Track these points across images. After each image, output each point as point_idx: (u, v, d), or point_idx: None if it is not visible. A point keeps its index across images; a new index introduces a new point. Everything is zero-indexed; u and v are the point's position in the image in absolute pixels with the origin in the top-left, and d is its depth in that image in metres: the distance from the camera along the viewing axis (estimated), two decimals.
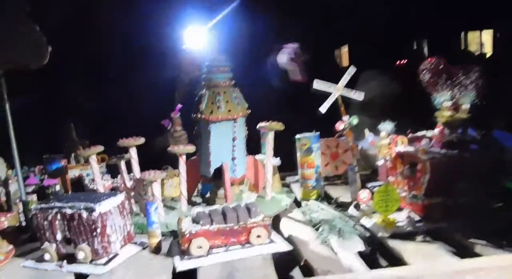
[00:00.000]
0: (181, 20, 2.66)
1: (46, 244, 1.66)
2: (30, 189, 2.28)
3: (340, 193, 2.42)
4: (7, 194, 2.24)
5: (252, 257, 1.61)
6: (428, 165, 1.80)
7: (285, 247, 1.68)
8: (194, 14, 2.67)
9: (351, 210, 2.04)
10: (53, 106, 2.89)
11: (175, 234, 1.86)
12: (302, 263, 1.61)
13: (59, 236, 1.64)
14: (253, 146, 2.36)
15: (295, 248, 1.71)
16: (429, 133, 1.93)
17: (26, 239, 2.00)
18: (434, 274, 1.38)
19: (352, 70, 2.14)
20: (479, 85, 1.94)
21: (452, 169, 1.81)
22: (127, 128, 2.30)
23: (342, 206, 2.17)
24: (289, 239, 1.80)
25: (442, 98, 1.90)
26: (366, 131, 2.01)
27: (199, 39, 2.70)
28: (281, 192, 2.51)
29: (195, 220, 1.69)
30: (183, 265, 1.56)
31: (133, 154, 2.19)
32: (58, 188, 2.31)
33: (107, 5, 2.77)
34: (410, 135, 2.02)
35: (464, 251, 1.57)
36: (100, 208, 1.59)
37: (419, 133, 2.00)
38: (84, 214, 1.58)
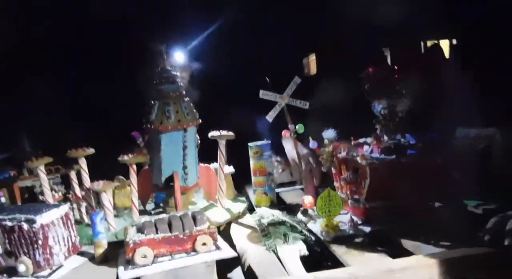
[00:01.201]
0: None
1: None
2: None
3: (293, 199, 2.49)
4: None
5: (197, 265, 1.64)
6: (368, 170, 1.89)
7: (230, 253, 1.72)
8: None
9: (299, 215, 2.10)
10: (5, 115, 2.81)
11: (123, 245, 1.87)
12: (245, 269, 1.65)
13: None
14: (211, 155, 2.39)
15: (241, 254, 1.75)
16: (369, 139, 2.02)
17: None
18: (368, 274, 1.44)
19: (297, 79, 2.22)
20: (415, 92, 2.05)
21: (390, 173, 1.90)
22: (90, 138, 2.28)
23: (292, 212, 2.24)
24: (237, 246, 1.84)
25: (381, 106, 2.00)
26: (310, 138, 2.09)
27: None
28: (235, 199, 2.56)
29: (140, 230, 1.70)
30: (126, 274, 1.57)
31: (82, 164, 2.18)
32: (3, 200, 2.26)
33: None
34: (353, 142, 2.11)
35: (399, 251, 1.66)
36: (42, 219, 1.58)
37: (361, 140, 2.09)
38: (25, 226, 1.57)
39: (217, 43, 2.75)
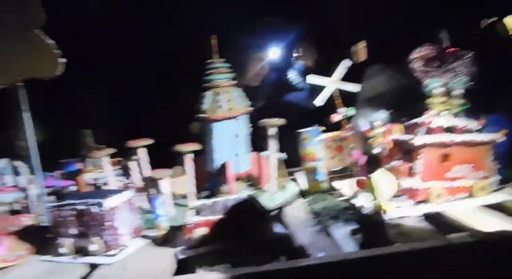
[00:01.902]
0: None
1: (61, 239, 1.79)
2: (49, 191, 2.43)
3: (345, 184, 2.49)
4: (28, 197, 2.39)
5: None
6: (422, 151, 1.86)
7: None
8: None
9: (352, 198, 2.10)
10: (72, 114, 3.05)
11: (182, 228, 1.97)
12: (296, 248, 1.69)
13: (73, 231, 1.77)
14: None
15: (293, 235, 1.78)
16: (421, 120, 1.97)
17: (47, 237, 2.14)
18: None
19: (347, 63, 2.20)
20: (471, 70, 1.97)
21: (445, 155, 1.85)
22: (150, 131, 2.42)
23: (344, 196, 2.23)
24: (288, 227, 1.88)
25: (434, 85, 1.94)
26: (359, 120, 2.07)
27: None
28: (286, 185, 2.59)
29: (198, 212, 1.79)
30: (185, 253, 1.67)
31: (141, 154, 2.32)
32: (74, 188, 2.46)
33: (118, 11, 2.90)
34: (405, 123, 2.07)
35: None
36: (109, 203, 1.72)
37: (413, 121, 2.04)
38: (95, 209, 1.71)
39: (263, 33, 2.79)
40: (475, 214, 1.78)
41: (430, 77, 1.98)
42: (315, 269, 1.44)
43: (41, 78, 2.30)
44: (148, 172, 2.30)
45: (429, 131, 1.89)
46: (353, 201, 2.07)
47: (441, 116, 1.95)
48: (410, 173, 1.95)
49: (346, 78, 2.30)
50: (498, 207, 1.83)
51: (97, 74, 3.03)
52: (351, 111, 2.18)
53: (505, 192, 1.93)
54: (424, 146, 1.85)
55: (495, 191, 1.96)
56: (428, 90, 1.96)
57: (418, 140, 1.84)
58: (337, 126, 2.50)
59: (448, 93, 1.95)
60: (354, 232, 1.77)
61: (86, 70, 3.05)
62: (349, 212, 1.95)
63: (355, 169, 2.17)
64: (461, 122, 1.94)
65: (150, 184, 2.28)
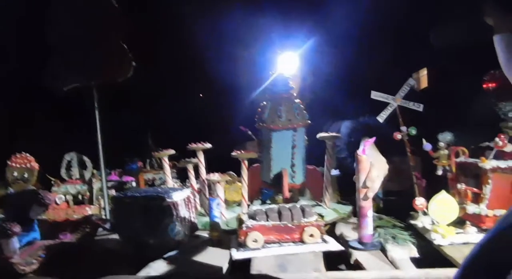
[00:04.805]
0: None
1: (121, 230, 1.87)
2: (110, 184, 2.56)
3: (400, 206, 2.41)
4: (91, 190, 2.53)
5: (304, 253, 1.69)
6: (491, 176, 1.77)
7: (337, 247, 1.73)
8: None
9: (409, 220, 2.03)
10: (135, 116, 3.22)
11: (234, 231, 2.00)
12: (352, 262, 1.65)
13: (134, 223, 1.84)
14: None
15: (347, 249, 1.75)
16: (492, 144, 1.88)
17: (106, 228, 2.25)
18: None
19: (411, 81, 2.17)
20: None
21: None
22: (205, 136, 2.51)
23: (400, 218, 2.16)
24: (342, 242, 1.85)
25: (508, 109, 1.86)
26: (423, 141, 2.01)
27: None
28: (340, 202, 2.56)
29: (252, 216, 1.81)
30: (239, 255, 1.68)
31: (200, 157, 2.39)
32: (134, 184, 2.57)
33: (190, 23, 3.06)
34: (473, 146, 1.99)
35: None
36: (170, 198, 1.78)
37: (483, 144, 1.95)
38: (157, 203, 1.77)
39: (326, 44, 2.81)
40: None
41: (506, 99, 1.89)
42: None
43: (113, 80, 2.47)
44: (204, 174, 2.36)
45: (501, 155, 1.80)
46: (412, 222, 2.00)
47: None
48: (475, 199, 1.86)
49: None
50: None
51: (162, 78, 3.19)
52: (413, 130, 2.13)
53: None
54: (495, 170, 1.77)
55: None
56: (503, 113, 1.87)
57: (489, 163, 1.76)
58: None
59: None
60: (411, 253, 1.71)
61: (154, 75, 3.23)
62: (406, 233, 1.88)
63: (416, 189, 2.10)
64: None
65: (205, 187, 2.34)
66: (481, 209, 1.81)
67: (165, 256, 1.76)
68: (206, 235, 2.02)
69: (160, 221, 1.77)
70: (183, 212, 1.85)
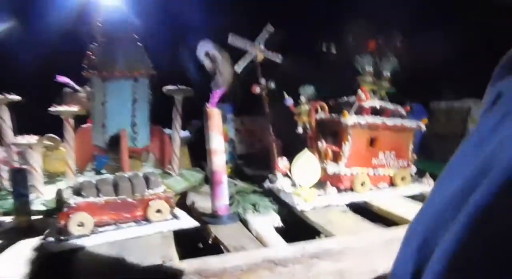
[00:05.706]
0: None
1: None
2: None
3: (256, 170, 2.22)
4: None
5: (149, 236, 1.31)
6: (350, 132, 1.67)
7: (191, 223, 1.41)
8: None
9: (268, 184, 1.83)
10: None
11: (54, 212, 1.50)
12: (210, 241, 1.36)
13: None
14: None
15: (203, 225, 1.44)
16: (351, 99, 1.78)
17: None
18: (361, 245, 1.21)
19: (269, 28, 1.92)
20: (401, 53, 1.86)
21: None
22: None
23: (257, 182, 1.97)
24: (196, 216, 1.53)
25: (365, 62, 1.77)
26: (285, 94, 1.81)
27: None
28: (190, 169, 2.25)
29: (77, 192, 1.34)
30: (56, 247, 1.21)
31: (3, 115, 1.75)
32: None
33: None
34: (333, 101, 1.87)
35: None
36: None
37: (342, 99, 1.85)
38: None
39: None
40: (399, 204, 1.65)
41: (361, 51, 1.80)
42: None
43: None
44: (11, 137, 1.74)
45: (360, 111, 1.71)
46: (270, 186, 1.80)
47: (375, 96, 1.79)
48: (335, 157, 1.75)
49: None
50: (419, 198, 1.74)
51: None
52: (273, 83, 1.92)
53: (422, 182, 1.85)
54: (355, 126, 1.66)
55: (413, 182, 1.88)
56: (359, 67, 1.77)
57: (351, 118, 1.64)
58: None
59: (377, 74, 1.79)
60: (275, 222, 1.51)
61: None
62: (267, 198, 1.68)
63: (274, 150, 1.91)
64: (391, 105, 1.80)
65: (12, 154, 1.74)
66: (340, 168, 1.71)
67: None
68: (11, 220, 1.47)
69: None
70: None
